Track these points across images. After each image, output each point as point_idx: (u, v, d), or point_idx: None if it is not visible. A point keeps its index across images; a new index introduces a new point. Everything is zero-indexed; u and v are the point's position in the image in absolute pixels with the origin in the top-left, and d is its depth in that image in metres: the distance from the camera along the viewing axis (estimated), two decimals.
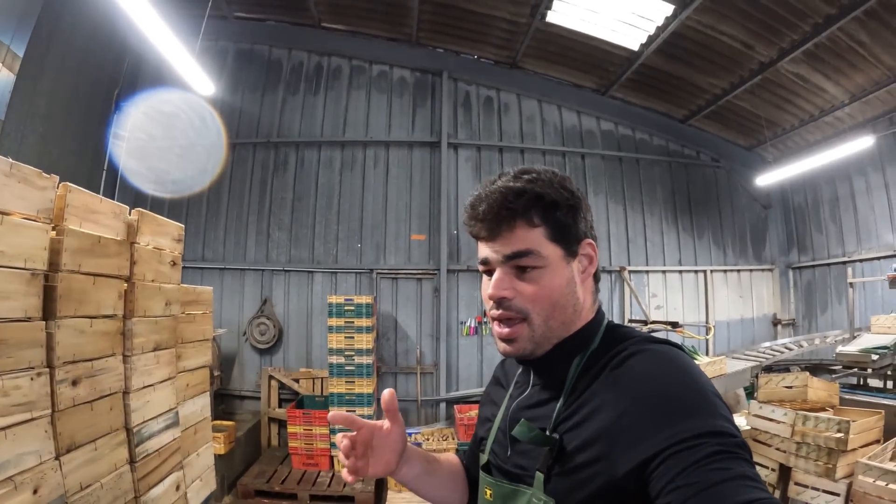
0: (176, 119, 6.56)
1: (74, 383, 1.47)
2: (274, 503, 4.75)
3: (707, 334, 6.27)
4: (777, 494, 3.01)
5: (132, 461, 1.74)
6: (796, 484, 2.93)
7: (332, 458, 5.29)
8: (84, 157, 5.84)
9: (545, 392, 0.84)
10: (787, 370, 5.81)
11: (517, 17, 5.86)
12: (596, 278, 0.89)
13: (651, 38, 5.89)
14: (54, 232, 1.48)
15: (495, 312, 0.82)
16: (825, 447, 2.89)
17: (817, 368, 5.93)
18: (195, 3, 5.42)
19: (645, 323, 6.45)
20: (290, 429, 5.29)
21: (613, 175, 7.48)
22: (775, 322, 8.22)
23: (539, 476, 0.75)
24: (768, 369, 4.99)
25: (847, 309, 6.17)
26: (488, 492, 0.87)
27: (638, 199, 7.55)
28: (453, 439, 5.37)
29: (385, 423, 0.85)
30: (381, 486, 4.92)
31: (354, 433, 0.84)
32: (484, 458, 0.92)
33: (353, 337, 5.50)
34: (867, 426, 2.99)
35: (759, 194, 7.97)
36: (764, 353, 5.97)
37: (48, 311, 1.41)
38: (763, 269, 8.30)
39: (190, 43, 4.66)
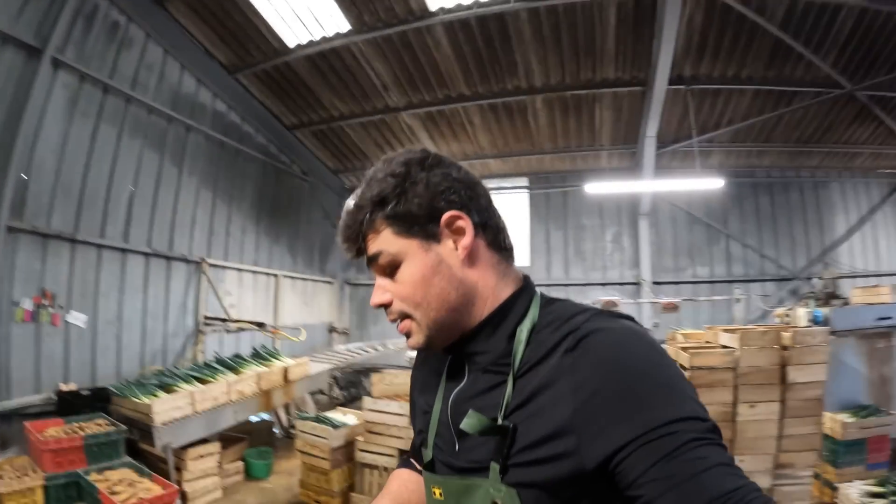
0: None
1: None
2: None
3: (300, 337, 6.37)
4: None
5: None
6: None
7: None
8: None
9: (488, 377, 0.76)
10: (363, 372, 6.35)
11: None
12: (497, 246, 0.80)
13: (312, 43, 5.63)
14: None
15: (388, 317, 0.81)
16: None
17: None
18: None
19: (225, 321, 6.13)
20: None
21: (212, 159, 6.74)
22: (331, 329, 8.62)
23: (494, 466, 0.70)
24: (365, 373, 5.86)
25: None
26: (437, 491, 0.79)
27: (229, 191, 7.00)
28: (35, 472, 3.27)
29: None
30: None
31: None
32: (428, 454, 0.83)
33: None
34: None
35: (332, 214, 8.26)
36: (340, 355, 6.34)
37: None
38: (326, 282, 8.60)
39: None
